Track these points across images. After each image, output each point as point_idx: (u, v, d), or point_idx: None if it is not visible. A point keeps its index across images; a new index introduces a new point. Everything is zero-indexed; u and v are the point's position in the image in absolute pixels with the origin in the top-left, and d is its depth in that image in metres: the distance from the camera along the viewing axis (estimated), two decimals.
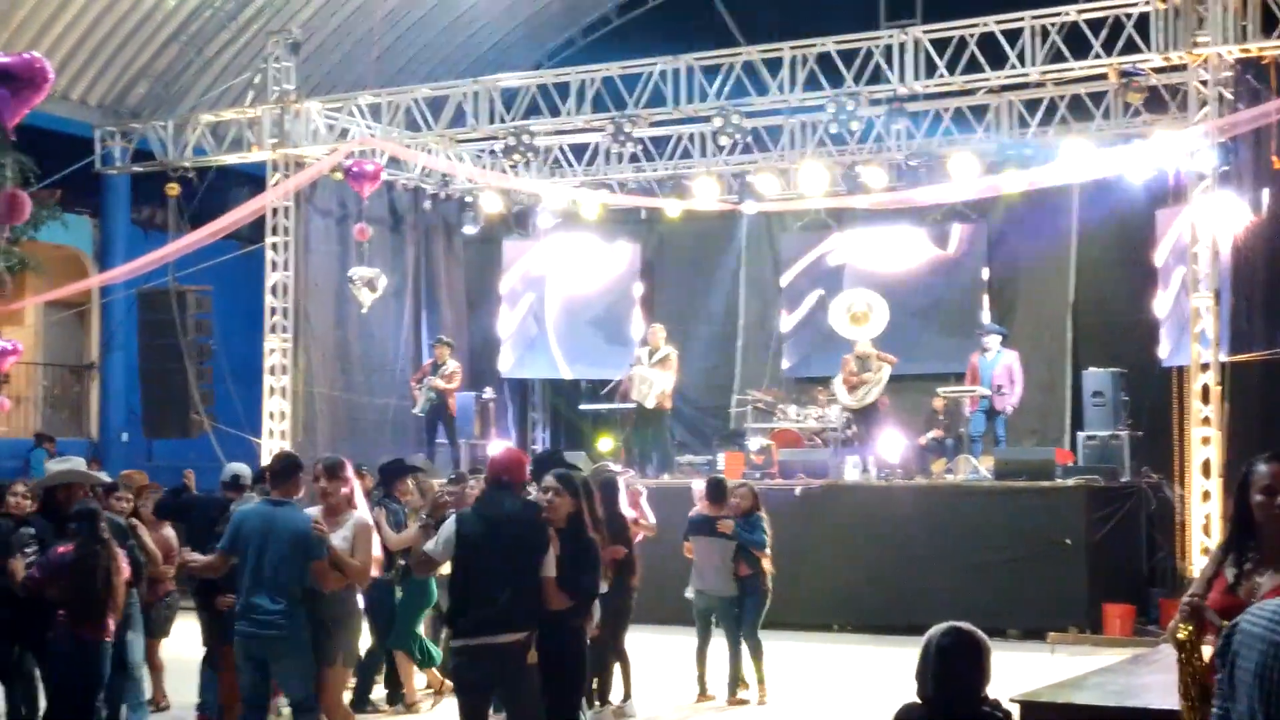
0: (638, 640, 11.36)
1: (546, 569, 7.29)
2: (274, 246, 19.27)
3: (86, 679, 8.52)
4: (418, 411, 19.18)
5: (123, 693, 9.60)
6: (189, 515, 10.78)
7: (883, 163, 19.09)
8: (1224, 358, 14.65)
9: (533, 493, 7.88)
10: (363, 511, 8.74)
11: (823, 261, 21.28)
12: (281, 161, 19.27)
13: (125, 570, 8.77)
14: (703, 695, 11.88)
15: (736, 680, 11.85)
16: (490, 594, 7.19)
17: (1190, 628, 4.59)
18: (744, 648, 11.80)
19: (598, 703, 10.83)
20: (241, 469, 10.79)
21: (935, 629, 4.73)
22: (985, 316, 19.50)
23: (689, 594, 12.01)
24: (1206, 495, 14.40)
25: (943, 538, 15.79)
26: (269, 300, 19.27)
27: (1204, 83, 14.90)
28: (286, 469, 8.63)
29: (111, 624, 8.56)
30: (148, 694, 10.49)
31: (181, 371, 18.76)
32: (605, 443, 19.05)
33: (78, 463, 9.97)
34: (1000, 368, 17.69)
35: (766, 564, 11.85)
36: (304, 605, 8.18)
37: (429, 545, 7.69)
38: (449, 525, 7.55)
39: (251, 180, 20.55)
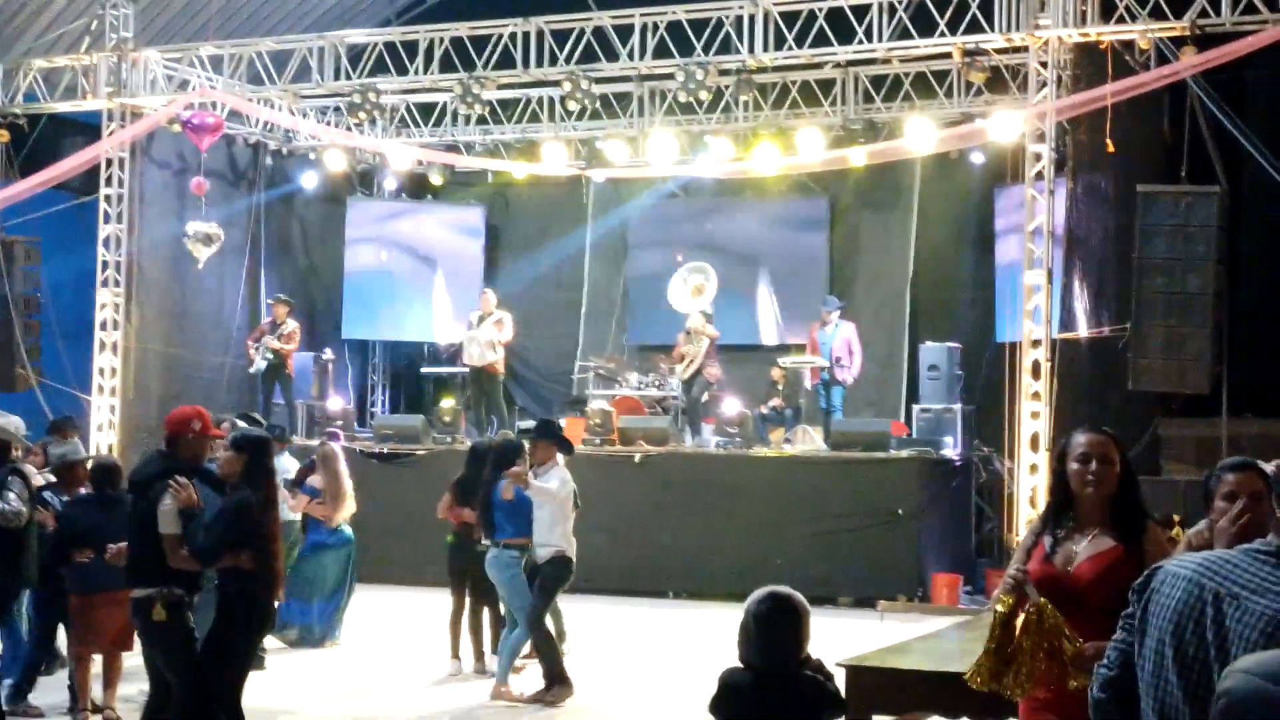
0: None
1: (163, 525, 7.31)
2: (108, 199, 18.73)
3: None
4: (254, 371, 18.85)
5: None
6: None
7: (730, 133, 19.18)
8: (1055, 335, 15.00)
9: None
10: None
11: (668, 230, 21.30)
12: (118, 111, 18.73)
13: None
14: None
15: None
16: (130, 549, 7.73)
17: (1011, 600, 4.79)
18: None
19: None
20: None
21: (754, 596, 4.89)
22: (826, 289, 19.70)
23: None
24: (1034, 469, 14.73)
25: (779, 507, 15.96)
26: (101, 254, 18.72)
27: (1044, 64, 15.20)
28: None
29: None
30: None
31: (7, 324, 18.21)
32: (446, 403, 18.89)
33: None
34: (839, 340, 17.89)
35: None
36: None
37: None
38: None
39: (86, 130, 19.85)
